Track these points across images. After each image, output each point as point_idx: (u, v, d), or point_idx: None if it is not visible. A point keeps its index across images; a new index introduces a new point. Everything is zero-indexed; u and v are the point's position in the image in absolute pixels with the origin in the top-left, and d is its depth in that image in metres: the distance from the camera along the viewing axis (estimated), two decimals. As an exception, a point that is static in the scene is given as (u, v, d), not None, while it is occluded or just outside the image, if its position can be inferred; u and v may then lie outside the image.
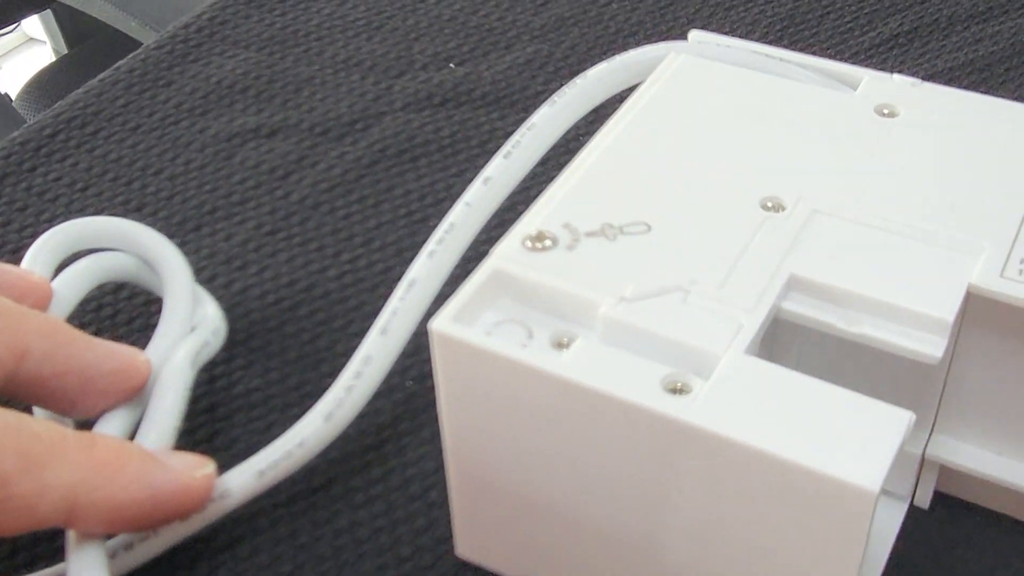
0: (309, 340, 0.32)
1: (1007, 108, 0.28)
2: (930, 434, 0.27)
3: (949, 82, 0.41)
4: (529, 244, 0.24)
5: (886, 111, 0.28)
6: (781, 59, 0.30)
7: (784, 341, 0.25)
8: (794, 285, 0.24)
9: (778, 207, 0.25)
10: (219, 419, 0.30)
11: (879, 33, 0.44)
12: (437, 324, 0.23)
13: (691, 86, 0.29)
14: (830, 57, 0.42)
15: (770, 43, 0.43)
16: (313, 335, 0.32)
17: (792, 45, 0.43)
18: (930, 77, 0.41)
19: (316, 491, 0.28)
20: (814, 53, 0.42)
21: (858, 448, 0.20)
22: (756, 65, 0.30)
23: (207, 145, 0.39)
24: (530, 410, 0.23)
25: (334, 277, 0.34)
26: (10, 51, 1.51)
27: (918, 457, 0.26)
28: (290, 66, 0.43)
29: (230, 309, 0.33)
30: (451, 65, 0.43)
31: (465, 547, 0.27)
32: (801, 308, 0.24)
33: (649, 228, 0.25)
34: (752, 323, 0.23)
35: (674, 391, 0.21)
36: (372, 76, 0.42)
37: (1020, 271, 0.23)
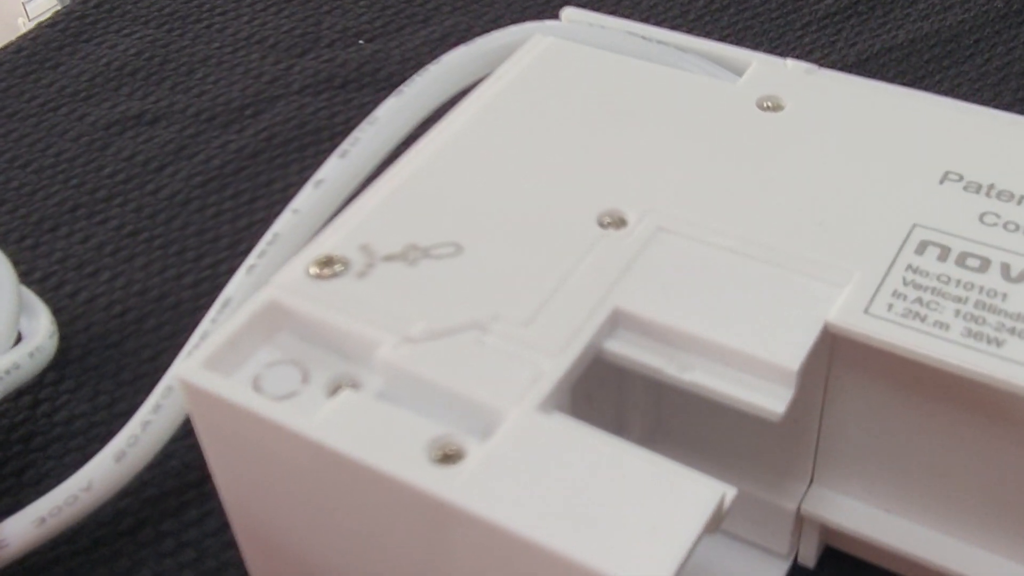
0: (149, 358, 0.29)
1: (915, 103, 0.24)
2: (809, 487, 0.23)
3: (909, 56, 0.37)
4: (315, 270, 0.21)
5: (768, 104, 0.24)
6: (659, 42, 0.25)
7: (622, 383, 0.21)
8: (620, 321, 0.20)
9: (618, 223, 0.21)
10: (33, 450, 0.27)
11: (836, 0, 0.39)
12: (184, 370, 0.19)
13: (546, 76, 0.25)
14: (776, 28, 0.38)
15: (715, 11, 0.39)
16: (155, 352, 0.29)
17: (740, 12, 0.39)
18: (888, 50, 0.37)
19: (122, 535, 0.25)
20: (761, 22, 0.38)
21: (646, 539, 0.16)
22: (630, 49, 0.26)
23: (83, 134, 0.36)
24: (289, 471, 0.19)
25: (189, 285, 0.31)
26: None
27: (793, 513, 0.23)
28: (187, 44, 0.40)
29: (71, 322, 0.30)
30: (360, 41, 0.39)
31: (270, 608, 0.23)
32: (626, 349, 0.20)
33: (460, 250, 0.21)
34: (556, 370, 0.19)
35: (443, 458, 0.18)
36: (273, 55, 0.39)
37: (890, 306, 0.19)
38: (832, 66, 0.36)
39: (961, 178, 0.22)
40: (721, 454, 0.23)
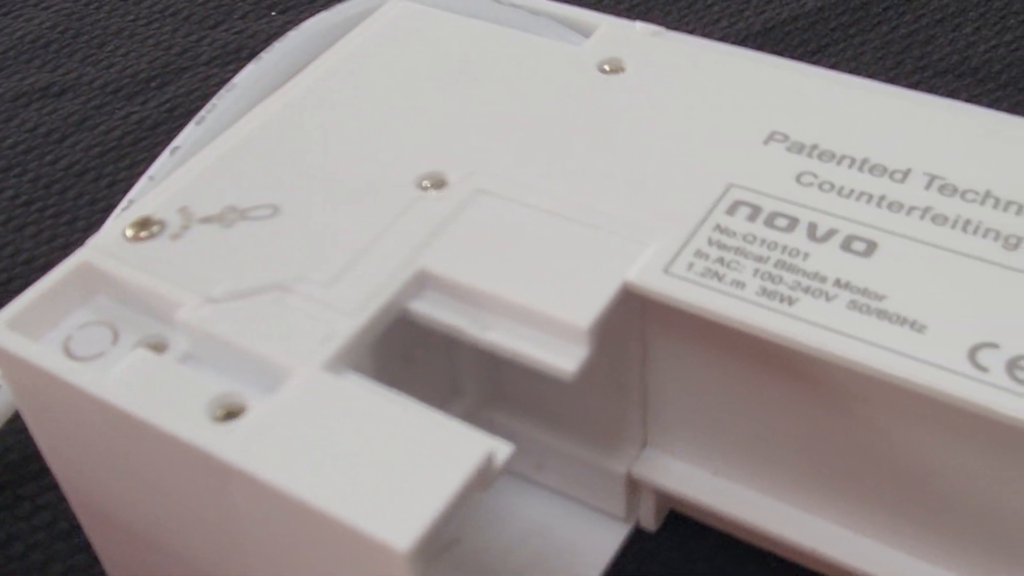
0: (27, 326, 0.29)
1: (754, 65, 0.24)
2: (642, 450, 0.23)
3: (815, 24, 0.36)
4: (130, 232, 0.21)
5: (609, 67, 0.24)
6: (512, 4, 0.25)
7: (451, 348, 0.21)
8: (427, 282, 0.20)
9: (439, 185, 0.21)
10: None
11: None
12: (-13, 331, 0.19)
13: (394, 40, 0.25)
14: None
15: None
16: (34, 320, 0.29)
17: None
18: (795, 19, 0.36)
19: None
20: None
21: (407, 494, 0.16)
22: (483, 13, 0.25)
23: (-10, 106, 0.36)
24: (89, 431, 0.19)
25: (75, 254, 0.31)
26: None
27: (624, 476, 0.22)
28: (102, 17, 0.40)
29: (-47, 293, 0.30)
30: (273, 13, 0.39)
31: (112, 569, 0.23)
32: (429, 309, 0.20)
33: (277, 212, 0.21)
34: (348, 329, 0.19)
35: (226, 416, 0.18)
36: (185, 27, 0.39)
37: (690, 265, 0.19)
38: (737, 35, 0.36)
39: (786, 138, 0.22)
40: (557, 418, 0.23)
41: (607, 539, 0.23)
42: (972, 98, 0.33)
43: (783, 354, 0.19)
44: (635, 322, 0.20)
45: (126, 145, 0.34)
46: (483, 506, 0.24)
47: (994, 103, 0.33)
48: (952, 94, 0.33)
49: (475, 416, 0.23)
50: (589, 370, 0.21)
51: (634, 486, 0.23)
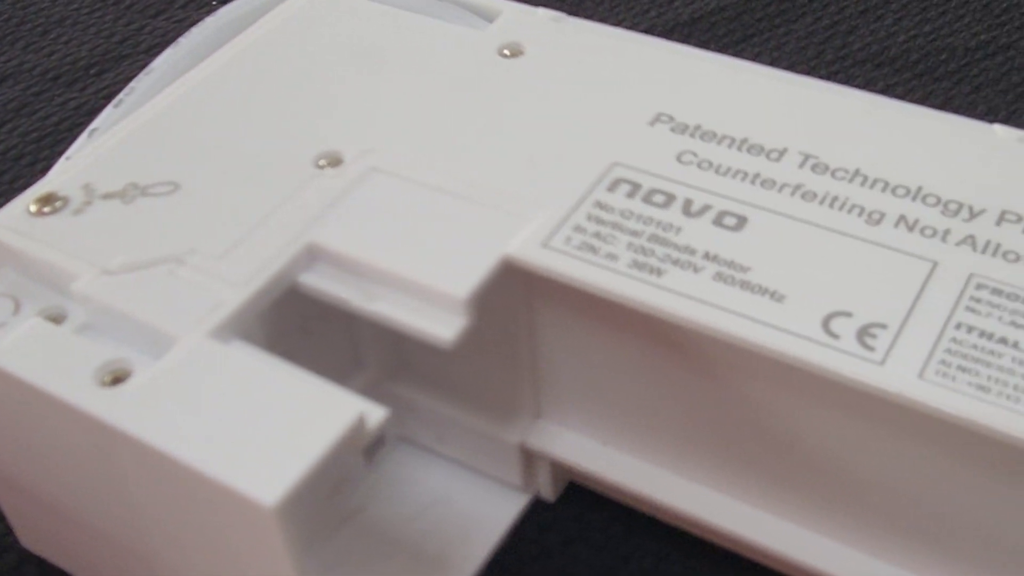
0: (-44, 305, 0.30)
1: (648, 50, 0.24)
2: (536, 421, 0.23)
3: (742, 14, 0.37)
4: (34, 208, 0.22)
5: (509, 51, 0.24)
6: (420, -9, 0.26)
7: (352, 320, 0.22)
8: (318, 255, 0.21)
9: (335, 163, 0.22)
10: None
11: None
12: None
13: (304, 24, 0.25)
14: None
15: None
16: (-37, 299, 0.30)
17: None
18: (723, 8, 0.37)
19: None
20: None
21: (278, 454, 0.17)
22: (393, -1, 0.26)
23: (-69, 94, 0.37)
24: (-13, 398, 0.20)
25: (7, 236, 0.32)
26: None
27: (518, 446, 0.23)
28: (46, 6, 0.40)
29: None
30: (213, 2, 0.40)
31: (25, 537, 0.24)
32: (318, 281, 0.20)
33: (176, 188, 0.22)
34: (235, 299, 0.19)
35: (113, 382, 0.19)
36: (127, 16, 0.39)
37: (568, 239, 0.20)
38: (665, 24, 0.37)
39: (671, 120, 0.22)
40: (455, 390, 0.24)
41: (505, 508, 0.24)
42: (888, 87, 0.34)
43: (658, 325, 0.20)
44: (521, 296, 0.21)
45: (63, 131, 0.35)
46: (387, 476, 0.25)
47: (908, 92, 0.34)
48: (869, 83, 0.34)
49: (377, 389, 0.24)
50: (482, 343, 0.22)
51: (529, 457, 0.24)
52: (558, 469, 0.24)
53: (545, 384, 0.23)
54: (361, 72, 0.24)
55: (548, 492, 0.24)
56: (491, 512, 0.24)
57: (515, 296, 0.21)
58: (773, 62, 0.35)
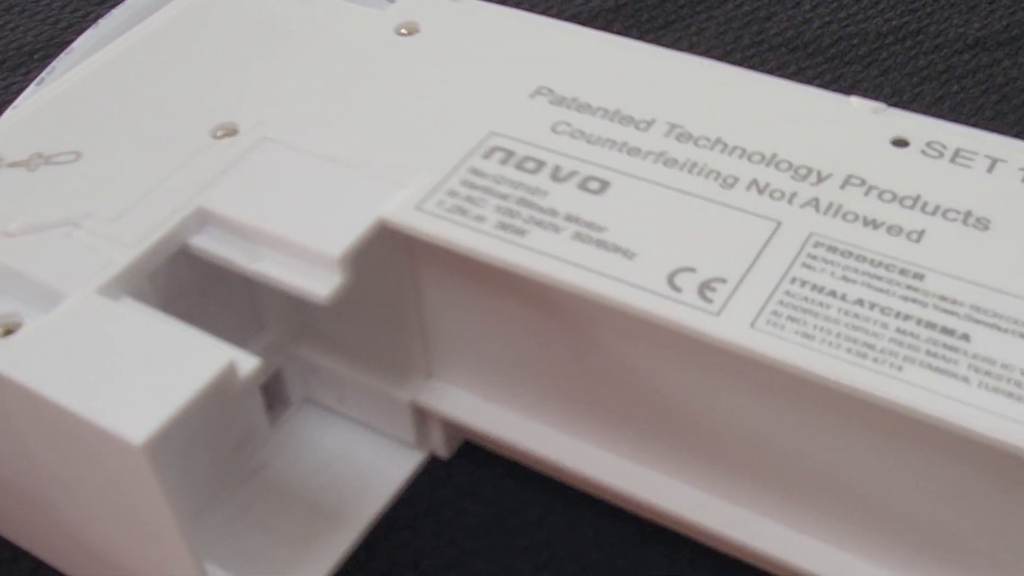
0: None
1: (535, 28, 0.26)
2: (428, 381, 0.25)
3: (665, 2, 0.38)
4: (-58, 175, 0.23)
5: (406, 30, 0.26)
6: (327, -25, 0.27)
7: (253, 285, 0.23)
8: (208, 219, 0.22)
9: (230, 133, 0.23)
10: None
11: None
12: None
13: (215, 3, 0.27)
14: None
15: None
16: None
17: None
18: (649, -3, 0.38)
19: None
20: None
21: (148, 398, 0.18)
22: (301, -19, 0.27)
23: None
24: None
25: (-55, 212, 0.33)
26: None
27: (409, 404, 0.24)
28: (-4, -6, 0.42)
29: None
30: (156, -10, 0.41)
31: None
32: (207, 243, 0.22)
33: (79, 158, 0.23)
34: (124, 259, 0.21)
35: (3, 333, 0.20)
36: (73, 3, 0.41)
37: (440, 203, 0.21)
38: (591, 11, 0.38)
39: (551, 92, 0.24)
40: (353, 353, 0.25)
41: (401, 465, 0.25)
42: (800, 70, 0.35)
43: (525, 284, 0.21)
44: (405, 260, 0.22)
45: (5, 113, 0.36)
46: (292, 436, 0.26)
47: (819, 75, 0.35)
48: (782, 66, 0.35)
49: (279, 350, 0.25)
50: (374, 306, 0.23)
51: (422, 415, 0.25)
52: (450, 427, 0.25)
53: (433, 344, 0.24)
54: (264, 49, 0.25)
55: (442, 450, 0.26)
56: (387, 469, 0.26)
57: (400, 260, 0.22)
58: (692, 47, 0.36)
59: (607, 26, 0.38)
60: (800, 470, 0.21)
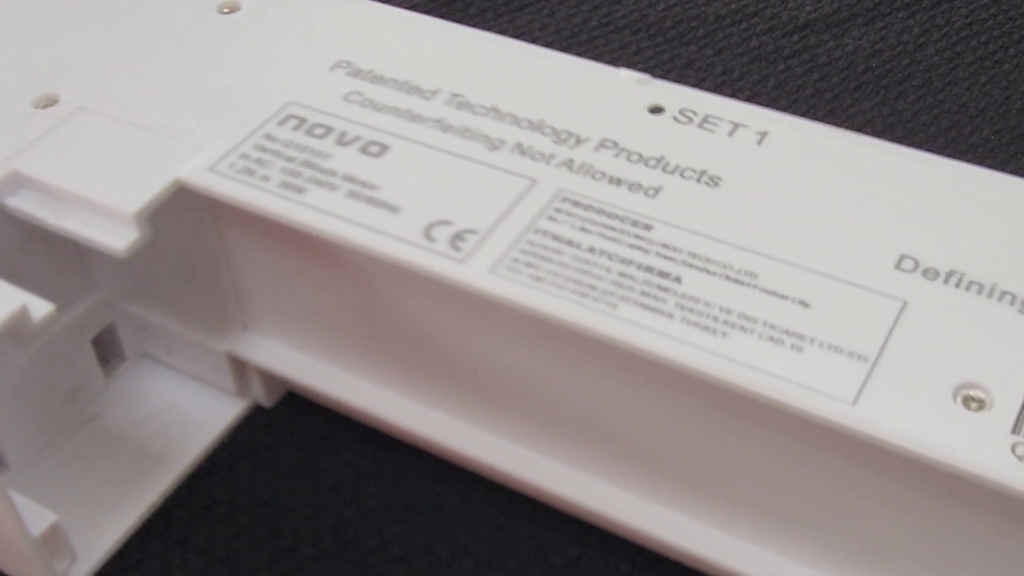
0: None
1: (351, 7, 0.28)
2: (244, 333, 0.27)
3: (525, -13, 0.40)
4: None
5: (227, 8, 0.28)
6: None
7: (80, 246, 0.25)
8: (23, 182, 0.24)
9: (51, 103, 0.25)
10: None
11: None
12: None
13: (54, -14, 0.29)
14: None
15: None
16: None
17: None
18: (508, -18, 0.40)
19: None
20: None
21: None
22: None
23: None
24: None
25: None
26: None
27: (225, 355, 0.26)
28: None
29: None
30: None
31: None
32: (19, 204, 0.24)
33: (-93, 126, 0.25)
34: (-63, 218, 0.23)
35: None
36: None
37: (232, 165, 0.23)
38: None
39: (349, 65, 0.26)
40: (176, 308, 0.27)
41: (223, 413, 0.27)
42: (640, 50, 0.37)
43: (309, 239, 0.23)
44: (210, 219, 0.24)
45: None
46: (126, 387, 0.28)
47: (657, 54, 0.37)
48: (624, 47, 0.38)
49: (110, 307, 0.27)
50: (189, 264, 0.25)
51: (240, 365, 0.27)
52: (269, 378, 0.27)
53: (245, 298, 0.26)
54: (92, 24, 0.27)
55: (264, 399, 0.28)
56: (211, 416, 0.28)
57: (206, 220, 0.24)
58: (543, 28, 0.39)
59: (465, 7, 0.40)
60: (559, 407, 0.23)
